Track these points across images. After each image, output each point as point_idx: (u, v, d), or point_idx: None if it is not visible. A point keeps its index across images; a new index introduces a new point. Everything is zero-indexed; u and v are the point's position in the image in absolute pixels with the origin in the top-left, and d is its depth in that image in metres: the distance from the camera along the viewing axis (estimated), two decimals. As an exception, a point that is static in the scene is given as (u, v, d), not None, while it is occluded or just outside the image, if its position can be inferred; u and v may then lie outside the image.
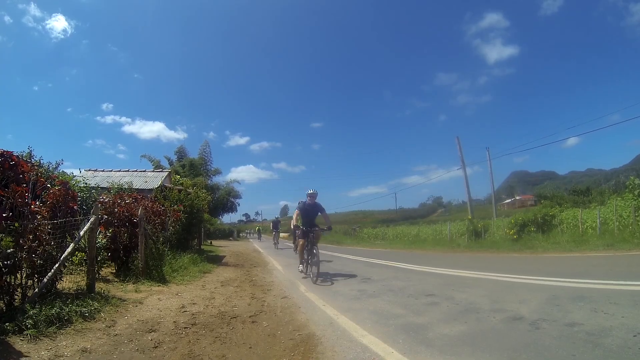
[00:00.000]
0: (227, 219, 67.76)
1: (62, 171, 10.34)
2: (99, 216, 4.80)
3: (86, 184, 9.19)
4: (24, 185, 3.42)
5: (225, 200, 34.29)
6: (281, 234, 26.62)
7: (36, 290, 3.37)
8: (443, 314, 3.57)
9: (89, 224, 4.30)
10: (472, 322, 3.22)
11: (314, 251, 6.59)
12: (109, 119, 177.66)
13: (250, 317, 3.87)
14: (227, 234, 42.61)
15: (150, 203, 7.69)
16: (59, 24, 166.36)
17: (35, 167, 5.32)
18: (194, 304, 4.47)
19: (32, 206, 3.39)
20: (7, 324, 2.77)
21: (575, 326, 2.84)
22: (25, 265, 3.29)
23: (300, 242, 7.10)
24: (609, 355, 2.22)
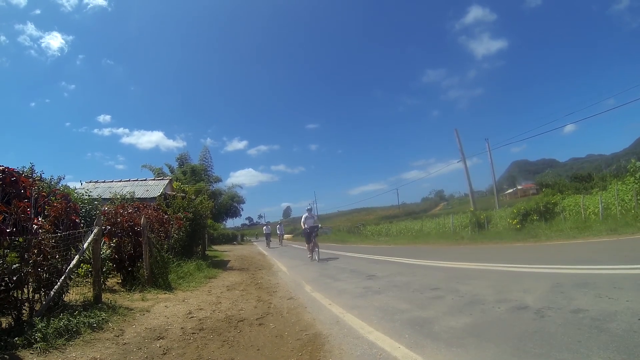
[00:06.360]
0: (231, 223, 67.59)
1: (66, 185, 10.39)
2: (102, 227, 4.82)
3: (89, 195, 9.22)
4: (26, 200, 3.44)
5: (228, 206, 34.26)
6: (285, 235, 26.79)
7: (43, 303, 3.40)
8: (448, 307, 3.59)
9: (92, 235, 4.33)
10: (477, 314, 3.23)
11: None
12: (107, 131, 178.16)
13: (257, 319, 3.89)
14: (231, 238, 42.63)
15: (153, 212, 7.71)
16: (55, 41, 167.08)
17: (37, 182, 5.35)
18: (200, 309, 4.50)
19: (35, 221, 3.42)
20: (16, 338, 2.79)
21: (580, 312, 2.85)
22: (31, 280, 3.32)
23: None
24: (615, 340, 2.23)
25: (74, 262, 3.91)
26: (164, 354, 2.85)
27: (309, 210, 11.39)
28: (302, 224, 11.07)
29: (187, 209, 11.02)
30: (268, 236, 24.29)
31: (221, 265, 11.22)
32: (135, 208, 6.97)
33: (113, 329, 3.45)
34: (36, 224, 3.41)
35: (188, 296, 5.43)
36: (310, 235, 10.70)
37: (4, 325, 3.10)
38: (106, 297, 4.57)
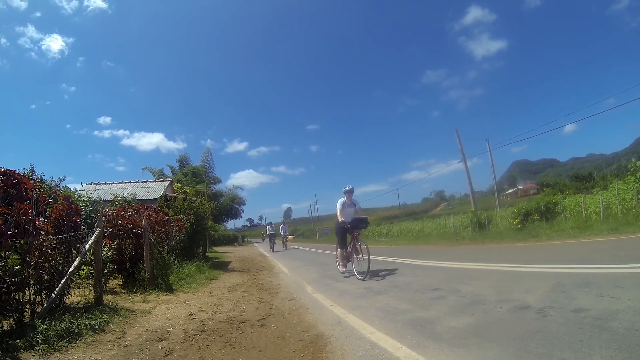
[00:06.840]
0: (232, 224, 67.77)
1: (66, 187, 10.40)
2: (103, 229, 4.83)
3: (89, 197, 9.22)
4: (27, 202, 3.45)
5: (229, 207, 34.34)
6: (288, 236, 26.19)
7: (45, 305, 3.40)
8: (450, 307, 3.58)
9: (93, 237, 4.33)
10: (479, 314, 3.23)
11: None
12: (107, 133, 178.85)
13: (258, 320, 3.89)
14: (232, 239, 42.64)
15: (154, 213, 7.72)
16: (55, 43, 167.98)
17: (38, 184, 5.37)
18: (202, 310, 4.49)
19: (37, 222, 3.42)
20: (18, 340, 2.79)
21: (582, 312, 2.84)
22: (32, 282, 3.32)
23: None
24: (617, 339, 2.22)
25: (75, 264, 3.91)
26: (166, 355, 2.85)
27: (348, 192, 7.04)
28: (338, 214, 7.03)
29: (188, 210, 11.03)
30: (272, 237, 21.32)
31: (222, 266, 11.22)
32: (136, 210, 6.97)
33: (114, 330, 3.44)
34: (37, 226, 3.41)
35: (189, 298, 5.43)
36: (346, 234, 6.83)
37: (5, 327, 3.10)
38: (107, 298, 4.57)
